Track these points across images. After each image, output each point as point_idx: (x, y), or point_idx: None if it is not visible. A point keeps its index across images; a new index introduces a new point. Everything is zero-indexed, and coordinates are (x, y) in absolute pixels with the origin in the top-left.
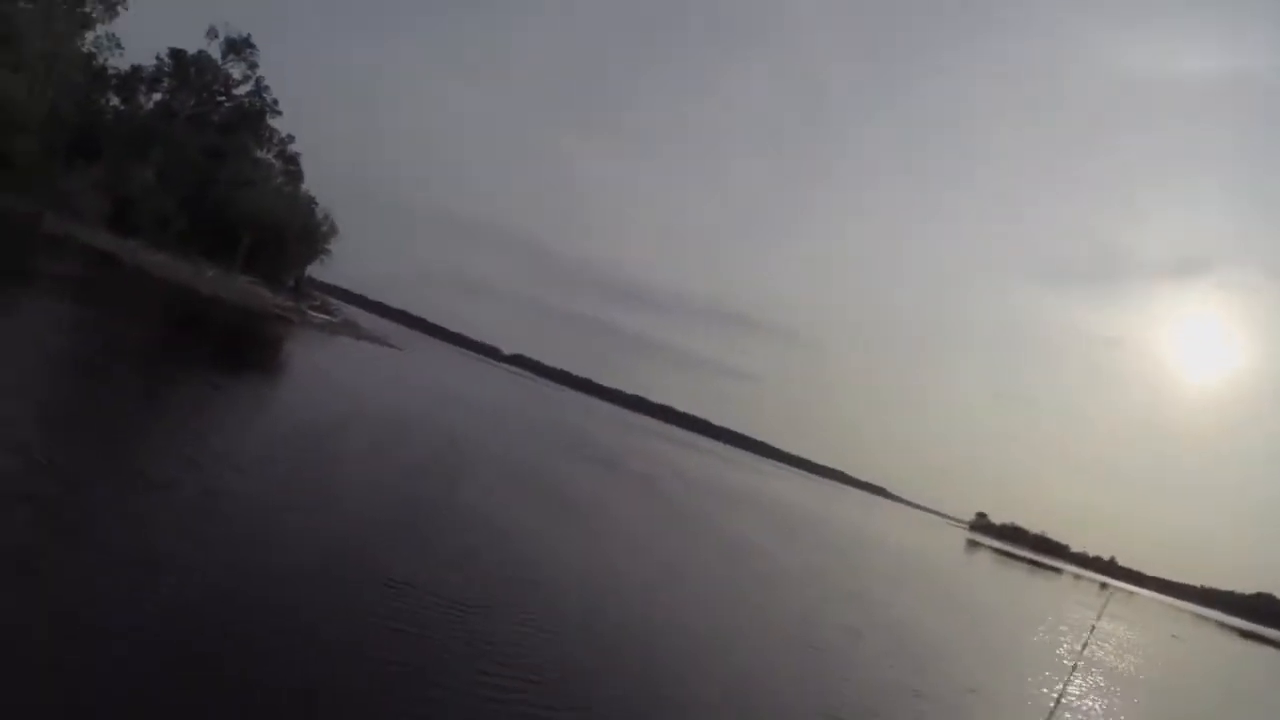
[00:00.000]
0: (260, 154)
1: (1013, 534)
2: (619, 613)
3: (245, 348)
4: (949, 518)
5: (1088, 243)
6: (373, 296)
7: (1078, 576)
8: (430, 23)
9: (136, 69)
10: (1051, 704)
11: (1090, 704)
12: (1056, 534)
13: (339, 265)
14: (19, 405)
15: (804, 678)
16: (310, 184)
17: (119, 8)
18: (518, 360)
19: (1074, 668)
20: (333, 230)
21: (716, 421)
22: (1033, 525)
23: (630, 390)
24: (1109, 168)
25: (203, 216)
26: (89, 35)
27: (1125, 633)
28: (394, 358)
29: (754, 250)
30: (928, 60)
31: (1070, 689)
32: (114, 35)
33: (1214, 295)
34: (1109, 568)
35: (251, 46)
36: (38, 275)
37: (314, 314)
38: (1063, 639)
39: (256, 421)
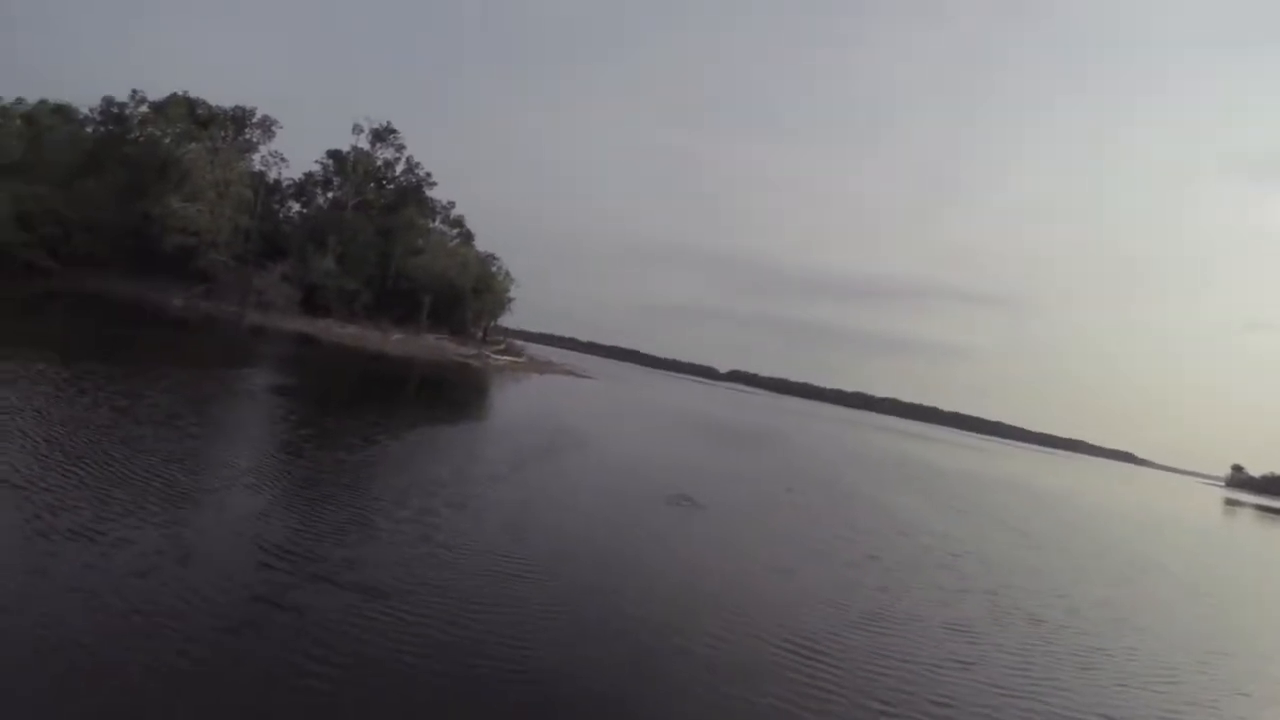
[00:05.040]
0: (431, 224)
1: (1275, 485)
2: None
3: (428, 392)
4: (1205, 476)
5: None
6: (583, 338)
7: None
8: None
9: (309, 175)
10: None
11: None
12: None
13: (550, 312)
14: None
15: None
16: (509, 238)
17: (274, 129)
18: (734, 376)
19: None
20: (509, 280)
21: (945, 407)
22: None
23: (851, 388)
24: None
25: (385, 288)
26: (255, 157)
27: None
28: (581, 386)
29: (942, 216)
30: None
31: None
32: (277, 152)
33: None
34: None
35: (394, 132)
36: (254, 357)
37: (496, 357)
38: None
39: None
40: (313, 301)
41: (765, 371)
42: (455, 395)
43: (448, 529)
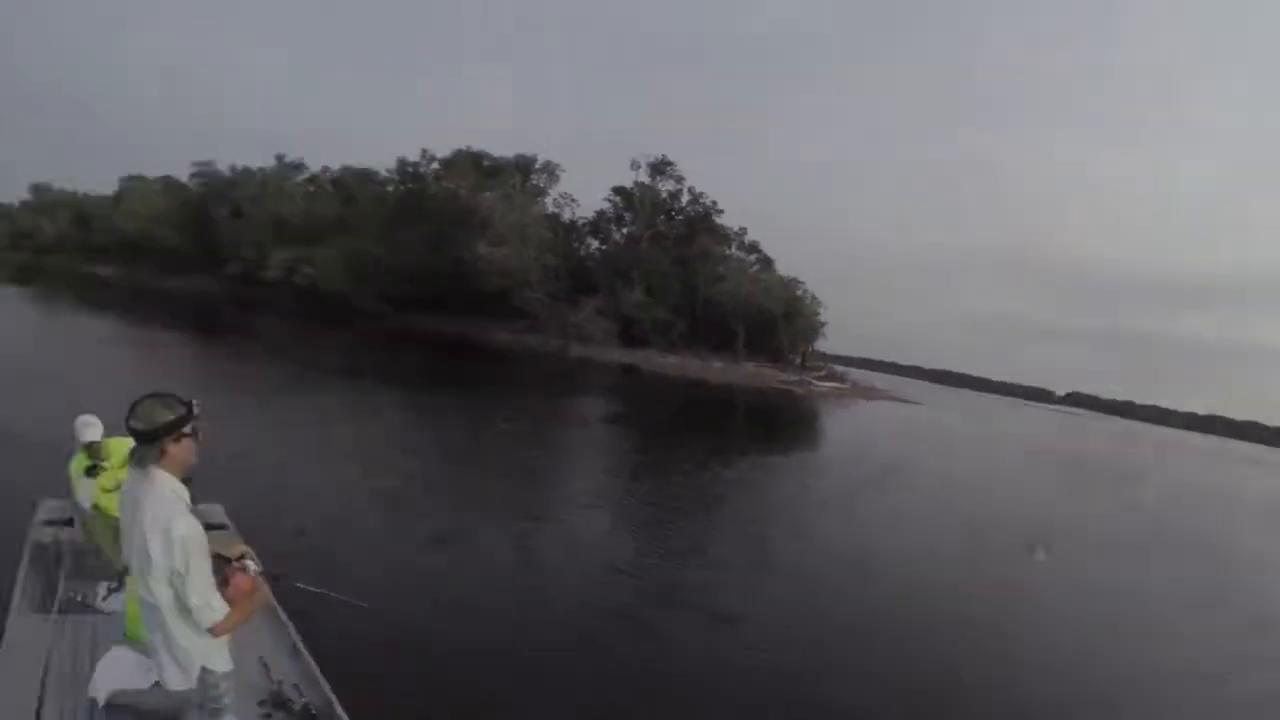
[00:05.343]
0: (726, 250)
1: None
2: None
3: (755, 420)
4: None
5: None
6: (905, 361)
7: None
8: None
9: (601, 213)
10: None
11: None
12: None
13: (866, 335)
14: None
15: None
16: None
17: (558, 172)
18: (1072, 399)
19: None
20: (817, 303)
21: None
22: None
23: (1203, 411)
24: None
25: (695, 318)
26: (547, 200)
27: None
28: (908, 413)
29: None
30: None
31: None
32: (566, 194)
33: None
34: None
35: (671, 164)
36: (582, 387)
37: (818, 383)
38: None
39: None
40: (630, 333)
41: (1106, 393)
42: (781, 423)
43: (786, 557)
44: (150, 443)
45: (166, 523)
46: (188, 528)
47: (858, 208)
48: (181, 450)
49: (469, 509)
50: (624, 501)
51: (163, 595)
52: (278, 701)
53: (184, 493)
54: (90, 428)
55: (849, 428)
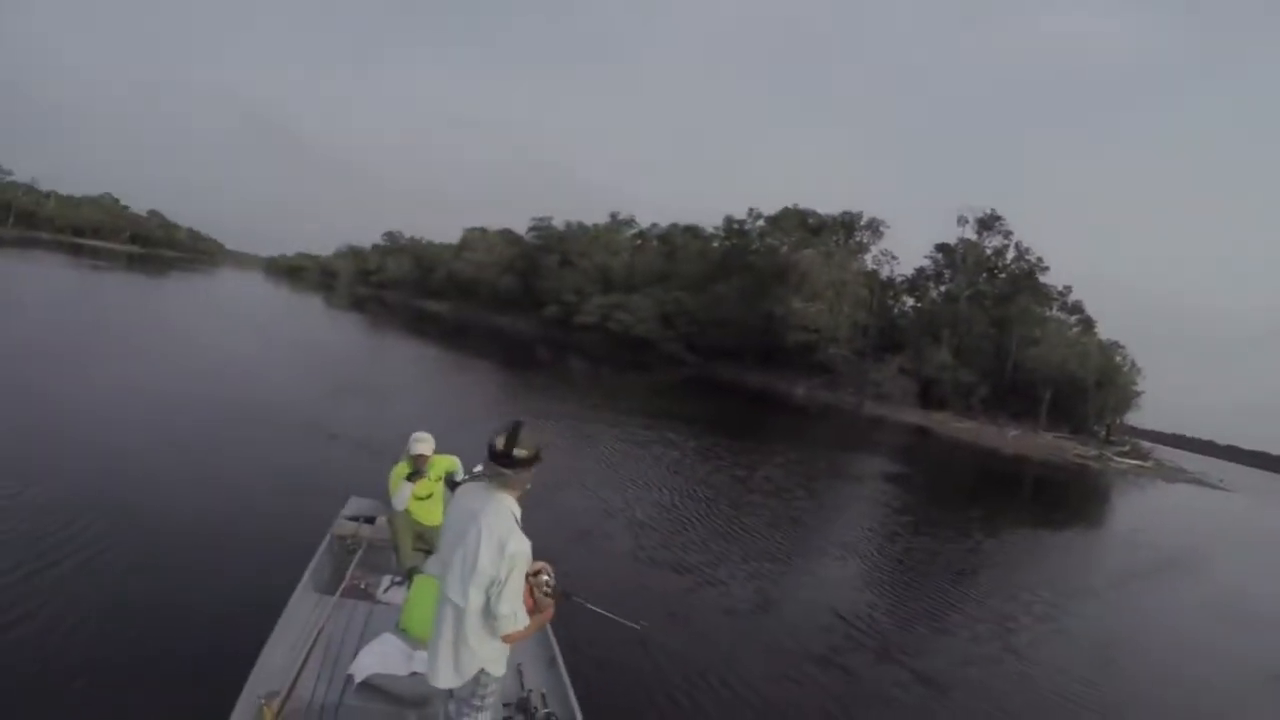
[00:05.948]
0: (1046, 311)
1: None
2: None
3: (1038, 492)
4: None
5: None
6: (1222, 440)
7: None
8: None
9: (920, 270)
10: None
11: None
12: None
13: (1181, 409)
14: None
15: None
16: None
17: (881, 229)
18: None
19: None
20: (1135, 371)
21: None
22: None
23: None
24: None
25: (1001, 382)
26: (867, 257)
27: None
28: (1210, 499)
29: None
30: None
31: None
32: (887, 250)
33: None
34: None
35: (999, 218)
36: (867, 445)
37: (1117, 460)
38: None
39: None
40: (929, 394)
41: None
42: (1065, 499)
43: (1024, 638)
44: (520, 467)
45: (504, 538)
46: (519, 545)
47: (1197, 257)
48: (530, 476)
49: (724, 543)
50: (872, 558)
51: (475, 600)
52: (523, 707)
53: (519, 513)
54: (423, 443)
55: (1139, 511)
